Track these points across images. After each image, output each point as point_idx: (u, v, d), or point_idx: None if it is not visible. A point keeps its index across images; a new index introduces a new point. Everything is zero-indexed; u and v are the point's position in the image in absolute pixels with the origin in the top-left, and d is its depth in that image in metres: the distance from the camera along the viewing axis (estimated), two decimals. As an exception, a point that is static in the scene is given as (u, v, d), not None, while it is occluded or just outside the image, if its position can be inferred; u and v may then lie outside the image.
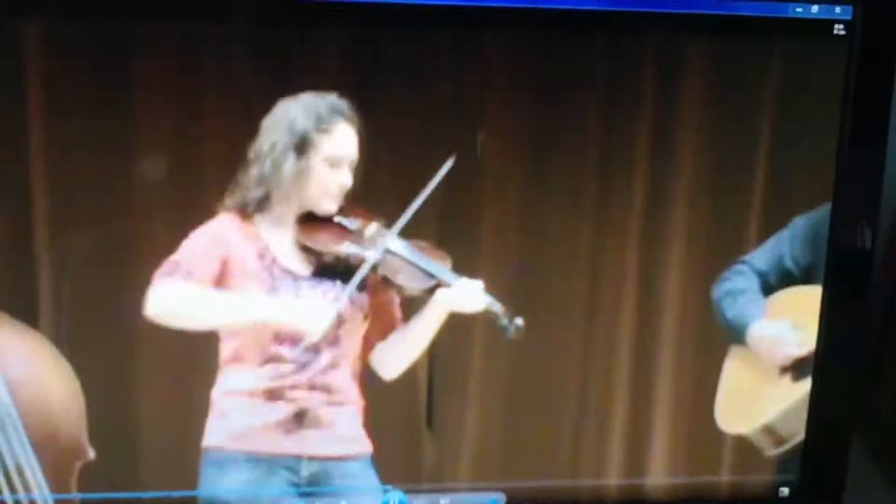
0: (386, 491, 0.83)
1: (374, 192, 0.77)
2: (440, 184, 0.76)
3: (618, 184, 0.79)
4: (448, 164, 0.76)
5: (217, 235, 0.76)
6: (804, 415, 0.84)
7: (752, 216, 0.81)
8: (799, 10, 0.76)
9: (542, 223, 0.79)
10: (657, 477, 0.86)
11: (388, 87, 0.75)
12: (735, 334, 0.83)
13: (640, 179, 0.79)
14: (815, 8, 0.76)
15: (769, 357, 0.83)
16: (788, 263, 0.82)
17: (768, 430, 0.85)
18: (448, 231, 0.78)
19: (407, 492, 0.83)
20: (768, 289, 0.82)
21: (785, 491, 0.86)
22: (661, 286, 0.81)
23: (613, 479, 0.85)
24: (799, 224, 0.81)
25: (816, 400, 0.84)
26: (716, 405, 0.84)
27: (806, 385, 0.84)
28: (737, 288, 0.81)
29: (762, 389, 0.84)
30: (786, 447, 0.85)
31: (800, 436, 0.85)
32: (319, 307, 0.78)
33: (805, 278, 0.82)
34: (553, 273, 0.80)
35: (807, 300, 0.82)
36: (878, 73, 0.77)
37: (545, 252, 0.80)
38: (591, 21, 0.75)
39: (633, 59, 0.77)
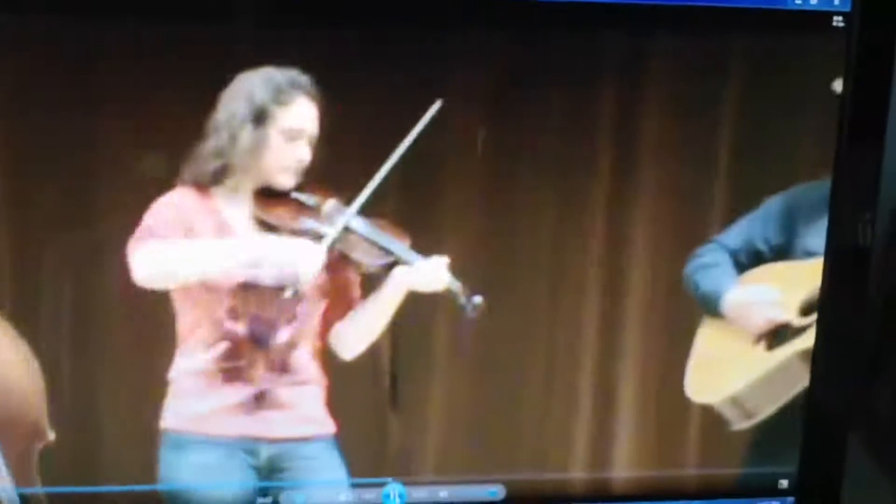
0: (385, 484, 0.83)
1: (333, 170, 0.77)
2: (399, 162, 0.76)
3: (584, 160, 0.79)
4: (408, 140, 0.76)
5: (178, 206, 0.76)
6: (772, 389, 0.84)
7: (722, 197, 0.81)
8: (798, 1, 0.77)
9: (505, 202, 0.79)
10: (655, 471, 0.86)
11: (350, 63, 0.75)
12: (709, 305, 0.83)
13: (607, 157, 0.79)
14: (813, 0, 0.77)
15: (744, 324, 0.84)
16: (759, 244, 0.82)
17: (734, 401, 0.85)
18: (407, 209, 0.78)
19: (406, 484, 0.83)
20: (740, 267, 0.83)
21: (784, 483, 0.86)
22: (628, 266, 0.81)
23: (603, 472, 0.85)
24: (770, 205, 0.81)
25: (815, 398, 0.84)
26: (686, 376, 0.84)
27: (776, 356, 0.84)
28: (710, 262, 0.82)
29: (732, 360, 0.84)
30: (753, 422, 0.85)
31: (767, 411, 0.85)
32: (309, 248, 0.78)
33: (775, 258, 0.83)
34: (517, 252, 0.80)
35: (780, 273, 0.83)
36: (876, 65, 0.78)
37: (508, 231, 0.80)
38: (588, 11, 0.76)
39: (624, 48, 0.77)
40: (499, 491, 0.84)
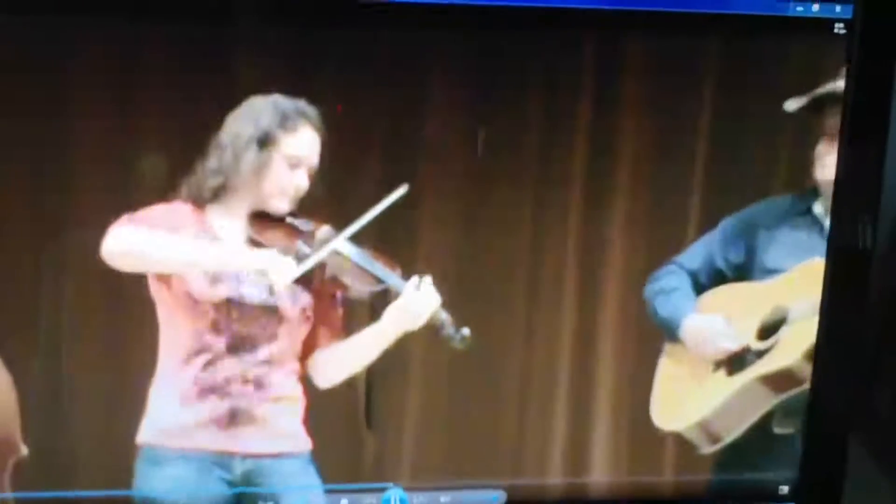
0: (387, 488, 0.83)
1: (329, 198, 0.78)
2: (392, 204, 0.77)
3: (562, 178, 0.79)
4: (400, 192, 0.77)
5: (174, 213, 0.77)
6: (739, 411, 0.85)
7: (692, 215, 0.81)
8: (799, 8, 0.76)
9: (487, 227, 0.80)
10: (658, 476, 0.86)
11: (356, 99, 0.76)
12: (668, 331, 0.83)
13: (584, 173, 0.80)
14: (815, 6, 0.77)
15: (702, 352, 0.84)
16: (719, 263, 0.82)
17: (702, 426, 0.85)
18: (398, 239, 0.79)
19: (406, 489, 0.83)
20: (699, 288, 0.83)
21: (784, 489, 0.86)
22: (602, 285, 0.82)
23: (602, 477, 0.86)
24: (728, 224, 0.81)
25: (816, 399, 0.84)
26: (651, 404, 0.84)
27: (739, 380, 0.84)
28: (669, 286, 0.82)
29: (696, 386, 0.84)
30: (721, 445, 0.85)
31: (735, 433, 0.85)
32: (285, 260, 0.78)
33: (736, 276, 0.83)
34: (499, 277, 0.81)
35: (738, 296, 0.83)
36: (877, 72, 0.78)
37: (487, 256, 0.80)
38: (582, 18, 0.76)
39: (624, 56, 0.77)
40: (499, 496, 0.85)
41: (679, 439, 0.85)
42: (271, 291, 0.78)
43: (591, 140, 0.78)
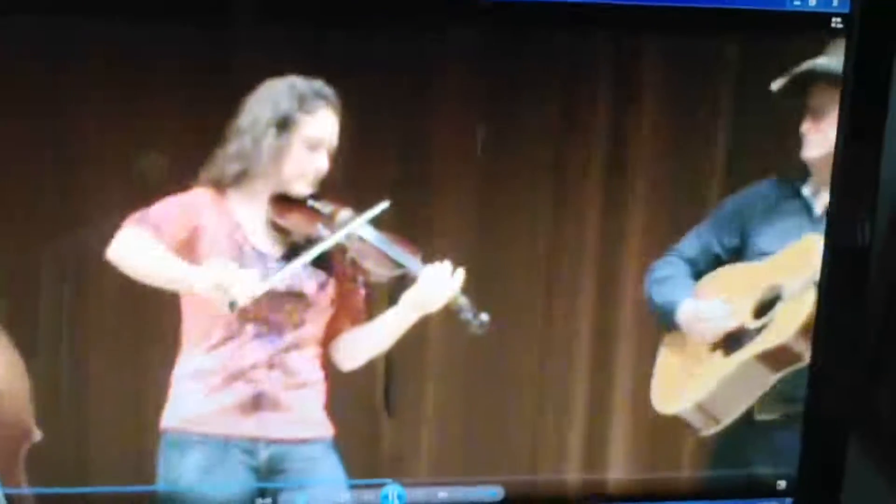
0: (384, 484, 0.83)
1: (350, 180, 0.78)
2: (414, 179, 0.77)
3: (578, 167, 0.80)
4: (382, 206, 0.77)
5: (190, 206, 0.77)
6: (735, 393, 0.85)
7: (698, 202, 0.82)
8: (797, 3, 0.77)
9: (509, 215, 0.80)
10: (653, 473, 0.86)
11: (374, 79, 0.76)
12: (665, 318, 0.84)
13: (599, 164, 0.80)
14: (812, 1, 0.77)
15: (699, 335, 0.84)
16: (716, 248, 0.83)
17: (700, 408, 0.85)
18: (419, 223, 0.79)
19: (405, 485, 0.83)
20: (698, 275, 0.83)
21: (782, 484, 0.86)
22: (621, 278, 0.82)
23: (600, 474, 0.85)
24: (724, 207, 0.82)
25: (816, 399, 0.84)
26: (651, 389, 0.84)
27: (736, 360, 0.84)
28: (665, 275, 0.82)
29: (694, 368, 0.85)
30: (720, 427, 0.85)
31: (732, 415, 0.85)
32: (249, 277, 0.78)
33: (732, 260, 0.83)
34: (517, 264, 0.81)
35: (733, 277, 0.83)
36: (875, 67, 0.78)
37: (509, 243, 0.80)
38: (586, 14, 0.76)
39: (626, 53, 0.77)
40: (498, 492, 0.84)
41: (681, 433, 0.85)
42: (233, 307, 0.78)
43: (602, 130, 0.79)
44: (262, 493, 0.82)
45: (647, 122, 0.79)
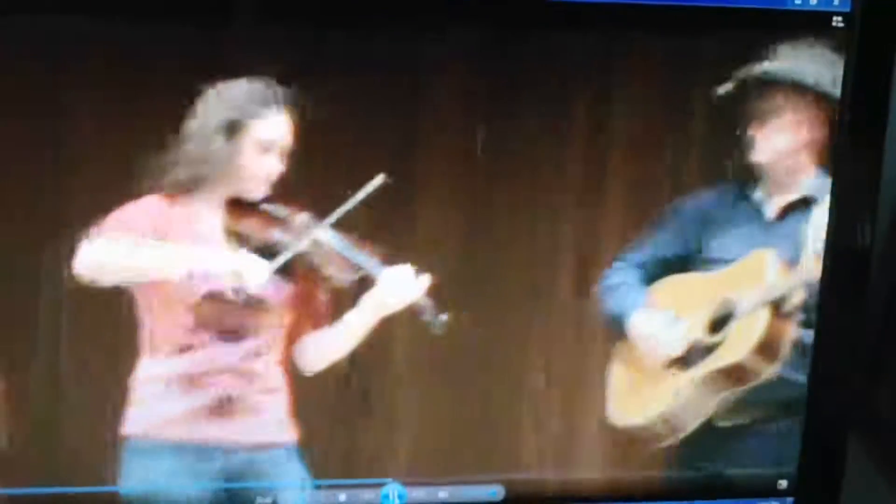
0: (385, 484, 0.83)
1: (305, 183, 0.77)
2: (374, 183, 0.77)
3: (554, 168, 0.79)
4: (376, 181, 0.76)
5: (144, 212, 0.76)
6: (694, 406, 0.84)
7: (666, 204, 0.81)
8: (797, 1, 0.77)
9: (474, 218, 0.79)
10: (656, 471, 0.86)
11: (327, 77, 0.75)
12: (617, 327, 0.83)
13: (578, 163, 0.79)
14: (813, 0, 0.77)
15: (651, 348, 0.83)
16: (667, 255, 0.82)
17: (664, 419, 0.84)
18: (379, 225, 0.78)
19: (405, 484, 0.83)
20: (649, 282, 0.82)
21: (782, 484, 0.86)
22: (589, 274, 0.81)
23: (600, 473, 0.85)
24: (673, 214, 0.81)
25: (815, 398, 0.84)
26: (607, 400, 0.84)
27: (692, 376, 0.84)
28: (615, 282, 0.81)
29: (651, 380, 0.84)
30: (680, 436, 0.85)
31: (693, 425, 0.84)
32: (256, 260, 0.78)
33: (683, 267, 0.82)
34: (487, 266, 0.80)
35: (686, 288, 0.83)
36: (876, 66, 0.78)
37: (477, 245, 0.80)
38: (585, 12, 0.76)
39: (619, 52, 0.77)
40: (498, 491, 0.84)
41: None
42: (241, 291, 0.78)
43: (580, 126, 0.78)
44: (231, 497, 0.82)
45: (636, 124, 0.79)
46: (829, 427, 0.85)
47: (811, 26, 0.77)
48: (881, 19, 0.77)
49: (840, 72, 0.78)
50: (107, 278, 0.76)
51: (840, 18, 0.77)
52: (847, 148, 0.80)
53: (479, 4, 0.75)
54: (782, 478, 0.86)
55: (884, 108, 0.79)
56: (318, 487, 0.82)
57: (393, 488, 0.83)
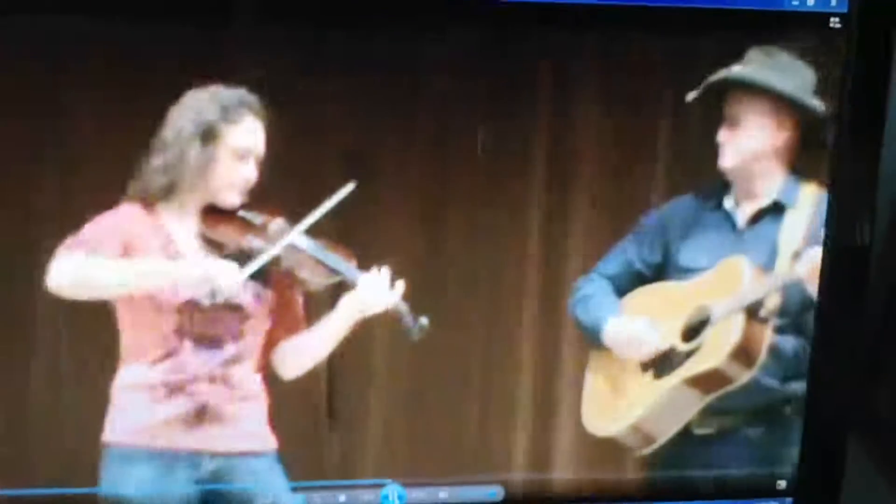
0: (384, 485, 0.83)
1: (280, 189, 0.77)
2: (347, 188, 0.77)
3: (519, 176, 0.79)
4: (349, 187, 0.76)
5: (120, 221, 0.76)
6: (667, 415, 0.84)
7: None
8: (795, 2, 0.77)
9: (446, 222, 0.79)
10: (656, 471, 0.86)
11: (299, 85, 0.76)
12: (592, 337, 0.83)
13: (544, 168, 0.79)
14: (810, 1, 0.77)
15: (626, 355, 0.83)
16: (638, 265, 0.82)
17: (636, 429, 0.85)
18: (354, 229, 0.79)
19: (405, 485, 0.83)
20: (621, 293, 0.82)
21: (782, 484, 0.86)
22: (564, 280, 0.81)
23: (601, 473, 0.86)
24: (644, 224, 0.81)
25: (815, 398, 0.84)
26: (582, 409, 0.84)
27: (665, 384, 0.84)
28: (586, 293, 0.82)
29: (626, 389, 0.84)
30: (655, 446, 0.85)
31: (667, 435, 0.84)
32: (229, 265, 0.78)
33: (655, 277, 0.82)
34: (458, 269, 0.80)
35: (660, 297, 0.83)
36: (874, 66, 0.78)
37: (450, 249, 0.80)
38: (584, 14, 0.76)
39: (616, 52, 0.77)
40: (498, 492, 0.84)
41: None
42: (216, 295, 0.78)
43: (550, 132, 0.78)
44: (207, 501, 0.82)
45: (618, 125, 0.79)
46: (828, 427, 0.85)
47: (808, 27, 0.77)
48: (878, 20, 0.77)
49: (838, 72, 0.78)
50: (84, 294, 0.77)
51: (837, 19, 0.77)
52: (845, 148, 0.80)
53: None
54: (781, 478, 0.86)
55: (882, 108, 0.79)
56: (318, 488, 0.83)
57: (393, 489, 0.83)
